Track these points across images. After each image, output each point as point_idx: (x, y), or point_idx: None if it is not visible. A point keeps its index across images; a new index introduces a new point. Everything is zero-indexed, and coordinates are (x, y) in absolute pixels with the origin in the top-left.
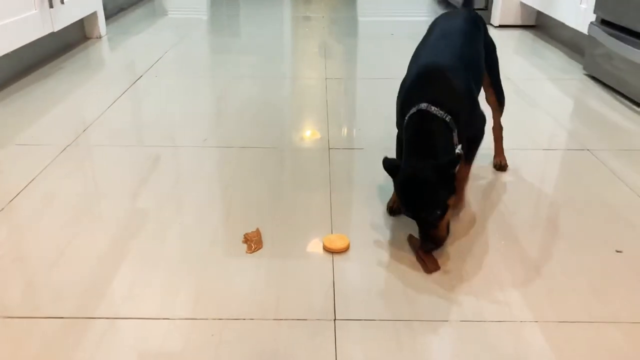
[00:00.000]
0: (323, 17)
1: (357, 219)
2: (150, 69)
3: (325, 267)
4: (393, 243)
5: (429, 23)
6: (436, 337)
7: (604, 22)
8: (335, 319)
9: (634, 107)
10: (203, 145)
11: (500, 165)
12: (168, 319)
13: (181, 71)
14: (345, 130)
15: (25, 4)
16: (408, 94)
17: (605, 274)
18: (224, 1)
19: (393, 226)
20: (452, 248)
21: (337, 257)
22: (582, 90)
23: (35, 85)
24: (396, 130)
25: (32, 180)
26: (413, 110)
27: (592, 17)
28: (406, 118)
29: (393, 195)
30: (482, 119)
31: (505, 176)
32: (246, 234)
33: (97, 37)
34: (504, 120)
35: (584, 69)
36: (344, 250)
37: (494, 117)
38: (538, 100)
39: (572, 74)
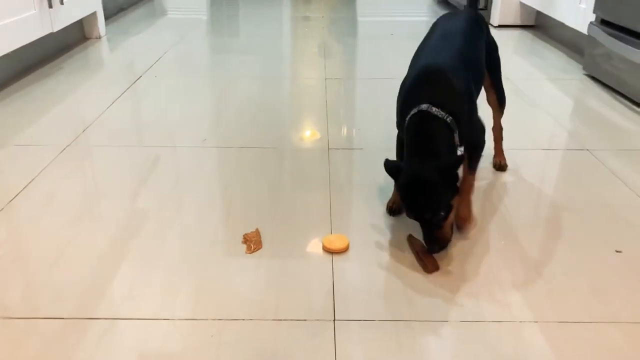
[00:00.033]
0: (322, 17)
1: (356, 219)
2: (150, 69)
3: (324, 268)
4: (393, 243)
5: (429, 23)
6: (436, 337)
7: (603, 22)
8: (334, 320)
9: (634, 107)
10: (203, 145)
11: (499, 165)
12: (168, 319)
13: (181, 71)
14: (344, 131)
15: (24, 4)
16: (408, 95)
17: (605, 274)
18: (224, 1)
19: (393, 226)
20: (452, 248)
21: (336, 258)
22: (582, 90)
23: (34, 85)
24: (396, 131)
25: (32, 180)
26: (414, 111)
27: (592, 17)
28: (407, 119)
29: (393, 195)
30: (482, 127)
31: (505, 176)
32: (245, 234)
33: (97, 38)
34: (503, 120)
35: (584, 69)
36: (344, 250)
37: (494, 118)
38: (538, 100)
39: (572, 74)
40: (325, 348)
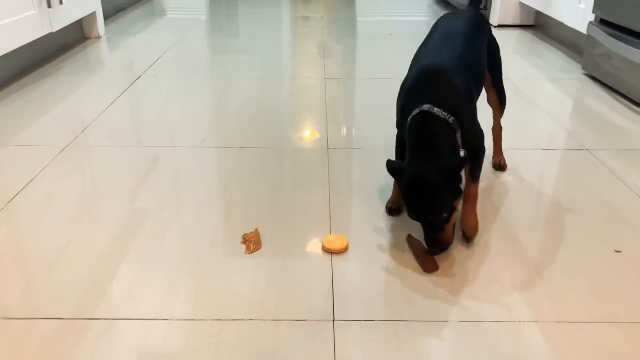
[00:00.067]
0: (322, 17)
1: (356, 220)
2: (149, 69)
3: (324, 268)
4: (392, 243)
5: (428, 23)
6: (436, 337)
7: (603, 22)
8: (334, 320)
9: (633, 106)
10: (202, 145)
11: (499, 165)
12: (167, 319)
13: (180, 71)
14: (344, 131)
15: (24, 4)
16: (410, 95)
17: (605, 274)
18: (223, 1)
19: (392, 226)
20: (452, 249)
21: (336, 258)
22: (582, 90)
23: (34, 85)
24: (396, 131)
25: (32, 180)
26: (416, 111)
27: (591, 17)
28: (409, 120)
29: (392, 195)
30: (482, 133)
31: (504, 176)
32: (245, 234)
33: (96, 38)
34: (503, 120)
35: (583, 68)
36: (343, 250)
37: (494, 118)
38: (537, 100)
39: (572, 73)
40: (324, 348)
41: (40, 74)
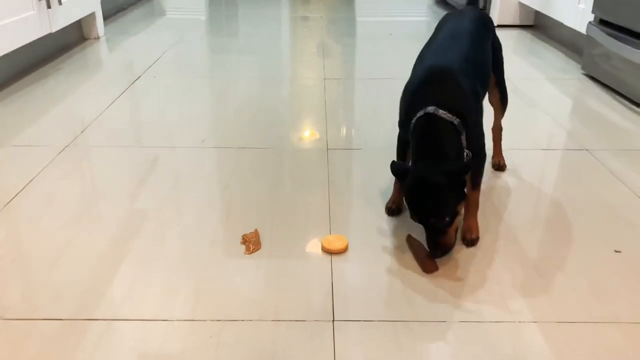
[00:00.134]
0: (321, 17)
1: (355, 220)
2: (149, 70)
3: (324, 268)
4: (392, 244)
5: (428, 23)
6: (435, 337)
7: (602, 22)
8: (333, 320)
9: (633, 106)
10: (202, 145)
11: (499, 165)
12: (167, 320)
13: (180, 72)
14: (343, 131)
15: (23, 4)
16: (415, 96)
17: (605, 274)
18: (222, 1)
19: (392, 227)
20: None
21: (335, 258)
22: (581, 90)
23: (33, 85)
24: (396, 131)
25: (31, 180)
26: (420, 113)
27: (591, 17)
28: (413, 121)
29: (392, 195)
30: (484, 137)
31: (504, 176)
32: (244, 235)
33: (96, 38)
34: (502, 120)
35: (583, 68)
36: (343, 251)
37: (495, 117)
38: (537, 100)
39: (571, 73)
40: (324, 348)
41: (39, 74)
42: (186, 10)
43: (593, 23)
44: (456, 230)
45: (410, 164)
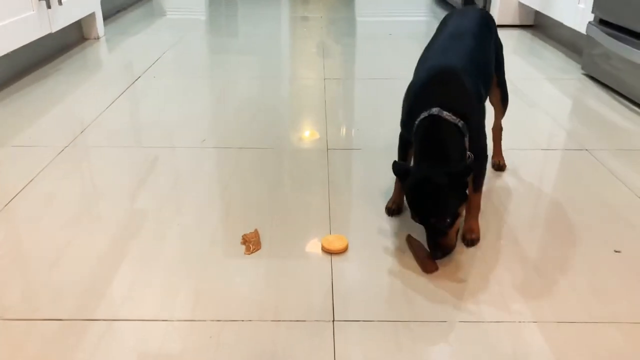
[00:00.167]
0: (321, 17)
1: (355, 220)
2: (149, 70)
3: (323, 268)
4: (392, 244)
5: (428, 23)
6: (435, 337)
7: (602, 22)
8: (333, 320)
9: (633, 106)
10: (202, 146)
11: (498, 165)
12: (167, 320)
13: (179, 72)
14: (343, 131)
15: (23, 4)
16: (419, 96)
17: (605, 274)
18: (222, 1)
19: (392, 227)
20: None
21: (335, 258)
22: (581, 90)
23: (33, 86)
24: (397, 131)
25: (31, 181)
26: (424, 114)
27: (590, 17)
28: (417, 122)
29: (393, 195)
30: (486, 140)
31: (504, 176)
32: (244, 235)
33: (95, 38)
34: (502, 120)
35: (582, 68)
36: (343, 251)
37: (495, 117)
38: (536, 100)
39: (571, 73)
40: (324, 348)
41: (39, 75)
42: (186, 11)
43: (593, 23)
44: (457, 232)
45: (412, 164)
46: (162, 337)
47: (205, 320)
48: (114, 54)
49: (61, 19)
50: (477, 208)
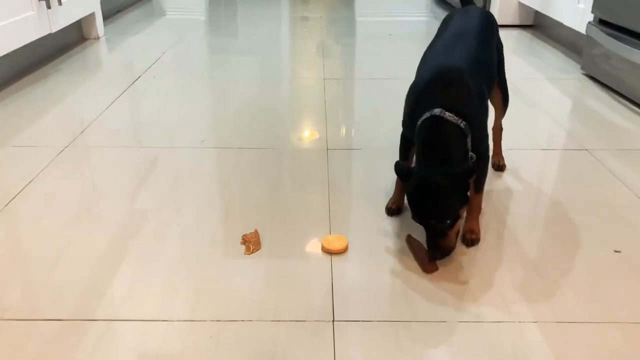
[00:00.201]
0: (321, 17)
1: (355, 220)
2: (149, 70)
3: (323, 268)
4: (392, 244)
5: (428, 23)
6: (435, 338)
7: (601, 22)
8: (333, 320)
9: (633, 106)
10: (201, 146)
11: (498, 165)
12: (167, 320)
13: (179, 72)
14: (343, 131)
15: (22, 5)
16: (421, 97)
17: (605, 274)
18: (222, 1)
19: (392, 227)
20: None
21: (335, 258)
22: (581, 90)
23: (33, 86)
24: (398, 131)
25: (31, 181)
26: (426, 115)
27: (590, 17)
28: (419, 122)
29: (393, 195)
30: (487, 141)
31: (504, 176)
32: (244, 235)
33: (95, 38)
34: (502, 120)
35: (582, 68)
36: (343, 251)
37: (496, 117)
38: (536, 100)
39: (570, 73)
40: (324, 349)
41: (39, 75)
42: (186, 11)
43: (593, 23)
44: (457, 234)
45: (414, 164)
46: (162, 337)
47: (205, 321)
48: (114, 54)
49: (61, 19)
50: (478, 209)
